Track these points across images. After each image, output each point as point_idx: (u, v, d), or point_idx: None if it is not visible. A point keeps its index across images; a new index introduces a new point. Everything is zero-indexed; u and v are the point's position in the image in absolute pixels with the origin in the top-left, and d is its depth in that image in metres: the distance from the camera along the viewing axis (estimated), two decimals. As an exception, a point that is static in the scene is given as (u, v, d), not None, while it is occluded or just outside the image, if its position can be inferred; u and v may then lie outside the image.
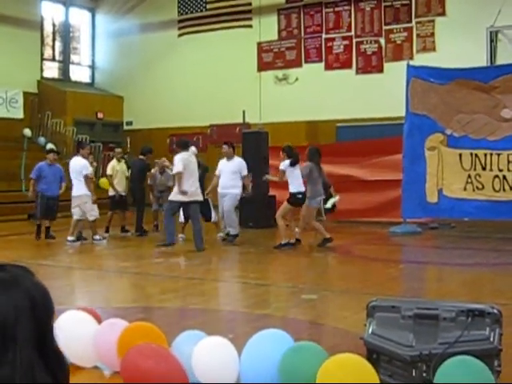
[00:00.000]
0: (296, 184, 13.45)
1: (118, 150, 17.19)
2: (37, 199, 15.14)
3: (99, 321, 5.89)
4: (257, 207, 17.01)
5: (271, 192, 17.83)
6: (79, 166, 14.66)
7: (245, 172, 14.66)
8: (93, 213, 14.67)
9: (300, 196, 13.43)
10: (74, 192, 14.69)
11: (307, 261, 12.31)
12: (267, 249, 13.85)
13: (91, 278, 11.25)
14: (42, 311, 1.77)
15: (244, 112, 20.78)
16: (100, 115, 25.84)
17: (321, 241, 13.66)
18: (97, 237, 14.86)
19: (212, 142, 24.12)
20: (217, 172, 14.79)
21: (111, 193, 16.27)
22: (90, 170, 14.77)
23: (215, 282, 10.43)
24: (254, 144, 16.09)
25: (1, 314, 1.71)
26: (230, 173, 14.57)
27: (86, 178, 14.53)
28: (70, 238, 14.57)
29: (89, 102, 25.49)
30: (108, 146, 24.47)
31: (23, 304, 1.73)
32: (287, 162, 13.52)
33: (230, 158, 14.74)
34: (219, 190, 14.64)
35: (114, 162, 16.42)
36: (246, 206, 16.61)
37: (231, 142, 15.38)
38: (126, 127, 26.64)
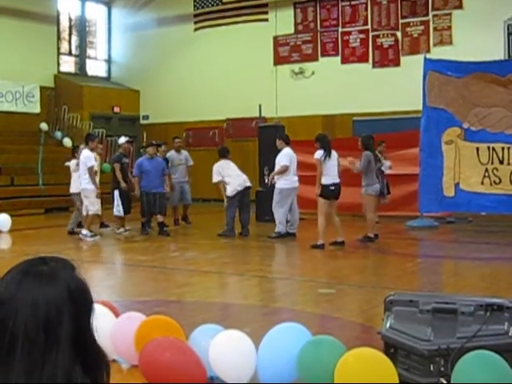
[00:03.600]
0: (330, 175, 12.83)
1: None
2: (141, 197, 15.20)
3: (116, 314, 5.91)
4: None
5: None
6: (83, 157, 14.45)
7: (281, 162, 14.34)
8: (90, 207, 14.43)
9: (333, 188, 12.81)
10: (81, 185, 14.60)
11: (324, 255, 12.29)
12: (284, 243, 13.85)
13: (108, 272, 11.29)
14: (81, 307, 1.74)
15: (260, 106, 20.75)
16: (116, 109, 25.91)
17: (362, 236, 13.55)
18: (84, 232, 14.41)
19: (228, 136, 24.12)
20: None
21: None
22: (94, 163, 14.49)
23: (232, 275, 10.43)
24: (270, 138, 16.02)
25: (43, 310, 1.67)
26: (276, 164, 14.50)
27: (90, 170, 14.32)
28: (84, 232, 14.50)
29: (105, 96, 25.56)
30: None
31: (63, 299, 1.70)
32: (321, 152, 12.92)
33: (280, 149, 14.57)
34: None
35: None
36: (261, 200, 16.60)
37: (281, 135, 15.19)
38: (142, 121, 26.69)
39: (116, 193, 15.32)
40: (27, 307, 1.67)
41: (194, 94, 24.61)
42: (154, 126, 25.65)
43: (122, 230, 15.29)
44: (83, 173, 14.33)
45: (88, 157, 14.35)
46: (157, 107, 25.82)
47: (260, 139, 18.28)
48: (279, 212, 14.29)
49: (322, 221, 12.85)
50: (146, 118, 26.60)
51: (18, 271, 1.75)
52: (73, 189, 15.27)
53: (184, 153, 17.22)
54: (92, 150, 14.67)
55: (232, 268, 10.96)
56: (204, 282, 9.87)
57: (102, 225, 16.07)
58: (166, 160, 16.24)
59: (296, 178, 14.46)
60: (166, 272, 10.81)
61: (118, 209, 15.26)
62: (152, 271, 10.73)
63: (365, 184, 13.50)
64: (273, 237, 14.10)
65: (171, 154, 16.93)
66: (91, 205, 14.37)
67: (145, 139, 24.58)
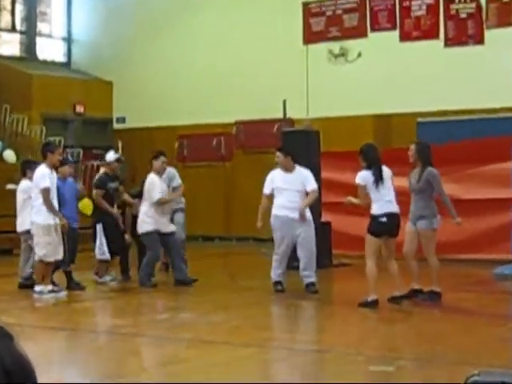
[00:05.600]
0: (380, 203, 12.62)
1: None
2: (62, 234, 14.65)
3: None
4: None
5: (325, 217, 17.82)
6: (36, 177, 14.26)
7: (310, 186, 14.25)
8: (37, 250, 14.18)
9: (384, 220, 12.57)
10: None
11: (377, 317, 12.30)
12: (320, 300, 13.86)
13: (69, 343, 11.32)
14: None
15: (285, 103, 20.86)
16: (80, 109, 25.95)
17: (428, 290, 13.33)
18: (37, 288, 14.24)
19: (239, 145, 24.13)
20: (266, 190, 14.40)
21: None
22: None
23: (246, 347, 10.43)
24: (298, 148, 16.07)
25: None
26: (295, 190, 14.21)
27: (44, 193, 13.99)
28: (38, 289, 14.45)
29: (64, 90, 25.57)
30: (91, 153, 24.60)
31: None
32: (365, 172, 12.77)
33: (288, 169, 14.32)
34: (278, 212, 14.29)
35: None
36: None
37: (284, 148, 15.10)
38: (116, 126, 26.75)
39: (99, 227, 15.34)
40: None
41: (189, 87, 24.70)
42: (132, 131, 25.65)
43: (107, 277, 15.43)
44: (35, 198, 14.25)
45: (42, 175, 14.11)
46: (137, 106, 25.89)
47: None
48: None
49: (370, 267, 12.65)
50: (121, 120, 26.67)
51: None
52: (20, 225, 15.18)
53: (168, 170, 17.06)
54: (53, 165, 14.48)
55: (245, 336, 10.97)
56: (205, 357, 9.91)
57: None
58: None
59: None
60: (151, 342, 10.86)
61: (101, 250, 15.30)
62: (132, 341, 10.79)
63: (428, 213, 13.32)
64: (313, 290, 14.08)
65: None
66: (38, 247, 14.22)
67: (120, 150, 24.70)
